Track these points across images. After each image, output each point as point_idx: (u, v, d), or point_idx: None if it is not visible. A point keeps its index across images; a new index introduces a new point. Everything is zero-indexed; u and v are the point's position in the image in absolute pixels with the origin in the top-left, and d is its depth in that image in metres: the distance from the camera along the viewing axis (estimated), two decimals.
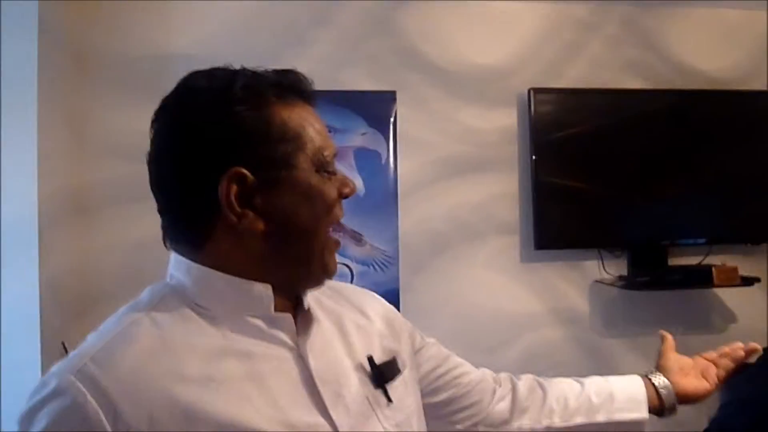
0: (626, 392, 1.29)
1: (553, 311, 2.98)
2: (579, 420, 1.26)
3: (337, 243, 0.99)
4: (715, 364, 1.34)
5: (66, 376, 0.83)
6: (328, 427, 0.91)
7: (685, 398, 1.31)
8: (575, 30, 3.00)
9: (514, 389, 1.27)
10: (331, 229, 0.97)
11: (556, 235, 2.90)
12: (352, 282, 2.77)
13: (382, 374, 1.01)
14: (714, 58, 3.08)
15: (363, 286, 3.02)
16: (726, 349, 1.34)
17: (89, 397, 0.81)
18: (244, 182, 0.90)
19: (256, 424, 0.85)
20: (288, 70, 0.96)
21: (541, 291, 2.97)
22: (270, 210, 0.91)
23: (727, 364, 1.33)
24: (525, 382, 1.29)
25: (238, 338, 0.91)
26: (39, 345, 2.24)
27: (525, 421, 1.25)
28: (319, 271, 0.97)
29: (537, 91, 2.88)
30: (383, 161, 2.84)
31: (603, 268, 2.97)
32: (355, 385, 0.97)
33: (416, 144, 2.88)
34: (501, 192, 2.95)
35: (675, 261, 3.01)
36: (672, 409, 1.30)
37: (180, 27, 2.71)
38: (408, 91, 2.88)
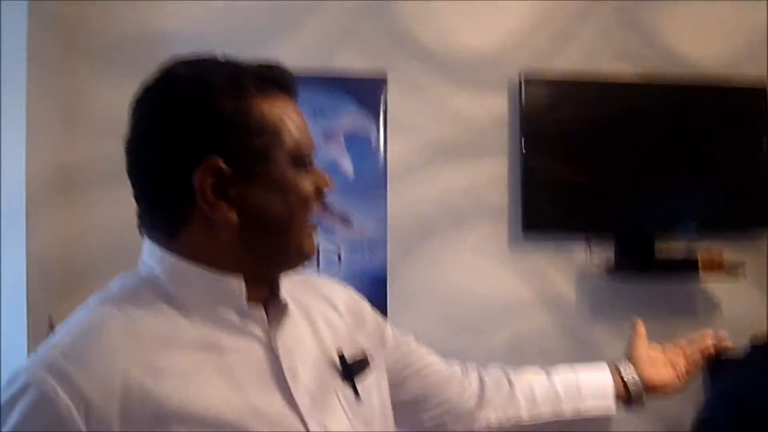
0: (593, 385, 1.29)
1: (540, 297, 2.99)
2: (545, 413, 1.26)
3: (314, 227, 0.99)
4: (684, 356, 1.33)
5: (36, 371, 0.82)
6: (296, 419, 0.91)
7: (653, 390, 1.30)
8: (569, 17, 2.99)
9: (481, 383, 1.27)
10: (309, 216, 0.97)
11: (543, 221, 2.92)
12: (339, 263, 2.78)
13: (350, 369, 1.01)
14: (709, 50, 3.06)
15: (351, 268, 3.03)
16: (696, 336, 1.34)
17: (60, 392, 0.80)
18: (220, 173, 0.89)
19: (227, 416, 0.86)
20: (271, 64, 0.96)
21: (528, 277, 2.98)
22: (244, 202, 0.91)
23: (696, 357, 1.32)
24: (492, 375, 1.30)
25: (210, 330, 0.91)
26: (26, 320, 2.25)
27: (492, 415, 1.25)
28: (295, 257, 0.97)
29: (528, 77, 2.88)
30: (373, 144, 2.84)
31: (590, 256, 2.99)
32: (324, 379, 0.98)
33: (407, 127, 2.88)
34: (490, 178, 2.95)
35: (662, 252, 3.02)
36: (639, 401, 1.30)
37: (171, 6, 2.68)
38: (399, 75, 2.87)
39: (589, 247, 2.98)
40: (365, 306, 1.17)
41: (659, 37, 3.05)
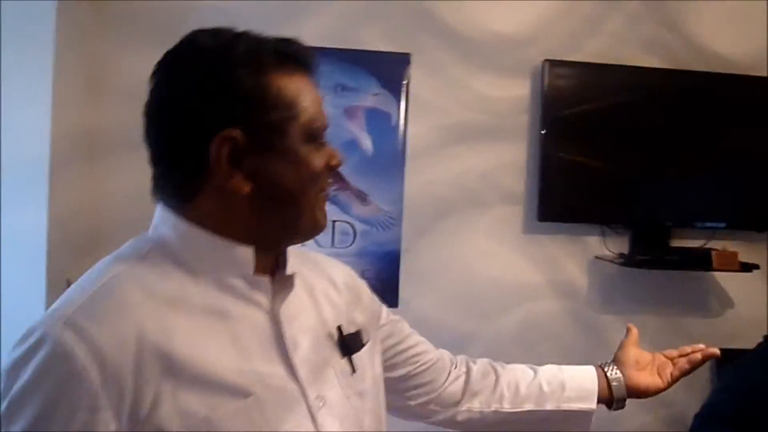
0: (577, 383, 1.31)
1: (551, 283, 3.00)
2: (528, 407, 1.29)
3: (326, 197, 1.01)
4: (672, 363, 1.34)
5: (52, 326, 0.83)
6: (294, 385, 0.95)
7: (636, 393, 1.32)
8: (595, 6, 2.96)
9: (468, 372, 1.31)
10: (320, 190, 0.99)
11: (559, 208, 2.91)
12: (354, 240, 2.81)
13: (348, 345, 1.05)
14: (734, 42, 3.03)
15: (365, 245, 3.05)
16: (687, 349, 1.34)
17: (76, 346, 0.81)
18: (236, 144, 0.91)
19: (233, 379, 0.89)
20: (291, 39, 0.97)
21: (541, 263, 2.99)
22: (257, 174, 0.93)
23: (683, 365, 1.32)
24: (480, 366, 1.33)
25: (217, 296, 0.93)
26: (45, 280, 2.29)
27: (475, 404, 1.29)
28: (305, 229, 1.00)
29: (552, 63, 2.86)
30: (393, 123, 2.85)
31: (604, 244, 2.99)
32: (323, 351, 1.01)
33: (427, 108, 2.88)
34: (508, 162, 2.95)
35: (677, 243, 3.02)
36: (621, 402, 1.32)
37: None
38: (423, 55, 2.87)
39: (604, 235, 2.98)
40: (363, 286, 1.21)
41: (684, 29, 3.01)
